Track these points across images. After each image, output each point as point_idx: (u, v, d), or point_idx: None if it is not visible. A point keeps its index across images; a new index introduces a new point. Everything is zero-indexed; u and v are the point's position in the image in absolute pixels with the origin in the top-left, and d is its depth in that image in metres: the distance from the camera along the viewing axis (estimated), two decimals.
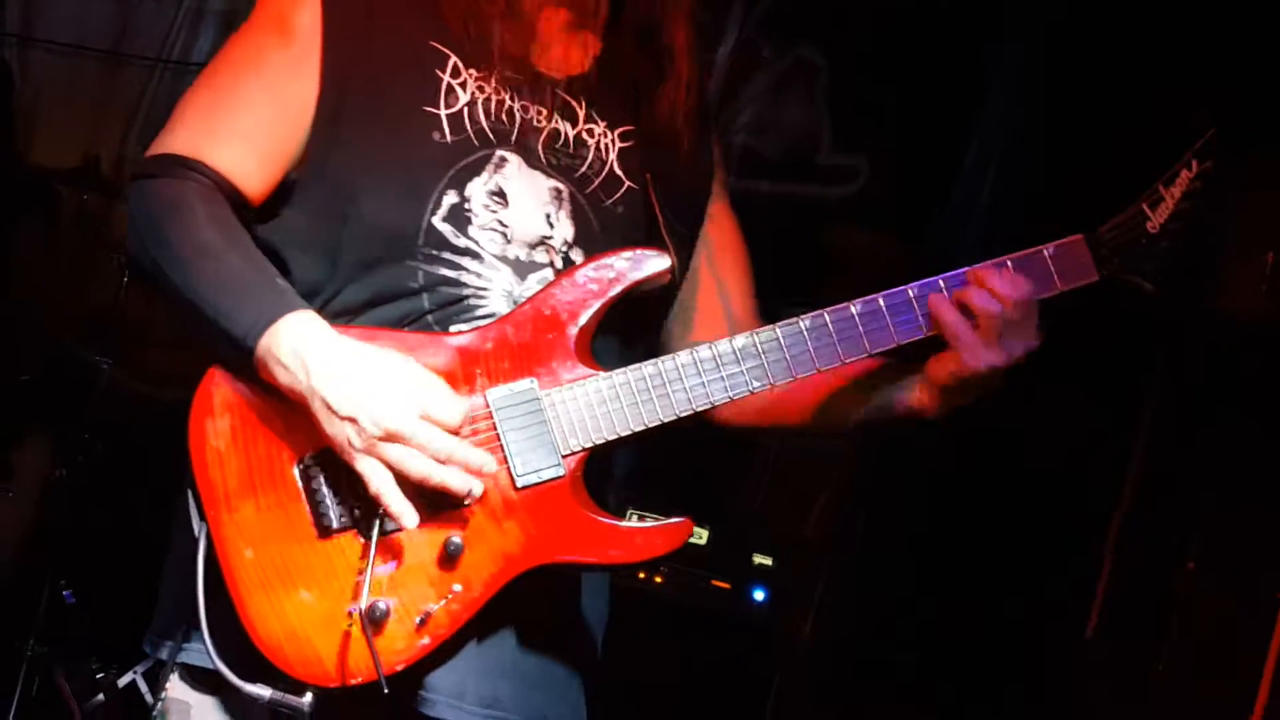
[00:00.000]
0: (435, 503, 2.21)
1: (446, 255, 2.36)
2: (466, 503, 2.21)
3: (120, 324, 5.23)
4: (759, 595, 4.97)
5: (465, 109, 2.41)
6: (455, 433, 2.19)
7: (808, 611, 5.13)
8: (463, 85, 2.42)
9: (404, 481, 2.18)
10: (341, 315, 2.34)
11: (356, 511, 2.23)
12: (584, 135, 2.50)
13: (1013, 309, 2.27)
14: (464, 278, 2.36)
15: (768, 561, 5.01)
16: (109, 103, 6.32)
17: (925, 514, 5.11)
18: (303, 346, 2.18)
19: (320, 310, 2.31)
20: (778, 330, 2.34)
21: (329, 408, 2.16)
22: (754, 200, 2.65)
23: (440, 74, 2.41)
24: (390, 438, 2.15)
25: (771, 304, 2.72)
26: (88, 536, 5.17)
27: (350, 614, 2.19)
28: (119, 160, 6.23)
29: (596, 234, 2.45)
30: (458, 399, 2.22)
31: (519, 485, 2.26)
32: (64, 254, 5.69)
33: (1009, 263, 2.34)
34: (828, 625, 5.12)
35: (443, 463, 2.17)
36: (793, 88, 6.08)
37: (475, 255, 2.37)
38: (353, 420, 2.15)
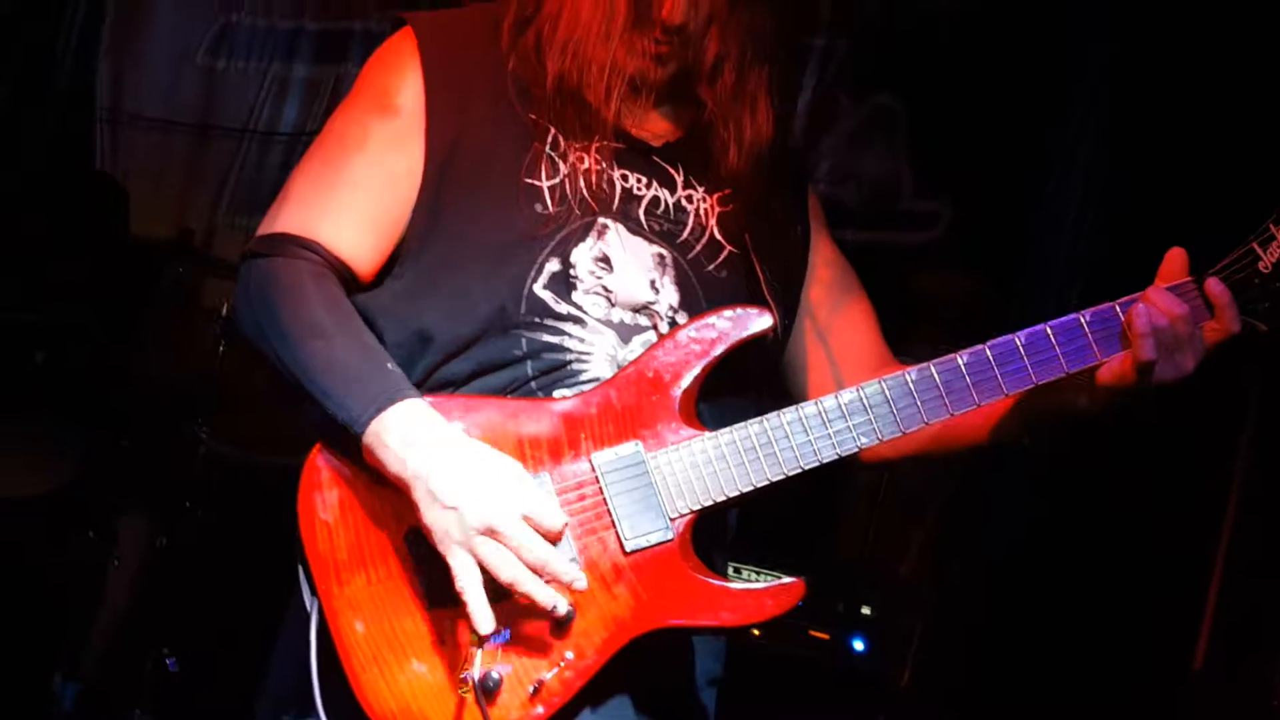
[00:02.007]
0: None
1: (549, 322, 2.37)
2: (551, 616, 2.20)
3: (217, 392, 5.29)
4: (858, 645, 4.93)
5: (566, 179, 2.43)
6: (554, 540, 2.19)
7: (906, 658, 5.08)
8: (562, 156, 2.43)
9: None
10: (446, 386, 2.35)
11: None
12: (683, 201, 2.51)
13: (1180, 323, 2.27)
14: (567, 343, 2.37)
15: (866, 610, 4.97)
16: (199, 175, 6.42)
17: (1023, 551, 5.06)
18: (411, 436, 2.20)
19: (423, 381, 2.33)
20: (883, 384, 2.33)
21: (432, 495, 2.17)
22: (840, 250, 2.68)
23: (540, 146, 2.43)
24: (489, 533, 2.16)
25: None
26: (190, 604, 5.22)
27: (463, 684, 2.18)
28: (211, 231, 6.32)
29: (700, 299, 2.44)
30: (560, 511, 2.22)
31: (628, 550, 2.26)
32: (160, 325, 5.76)
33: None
34: (927, 671, 5.07)
35: (535, 570, 2.17)
36: (872, 135, 6.08)
37: (578, 320, 2.38)
38: (455, 510, 2.16)
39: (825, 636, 4.91)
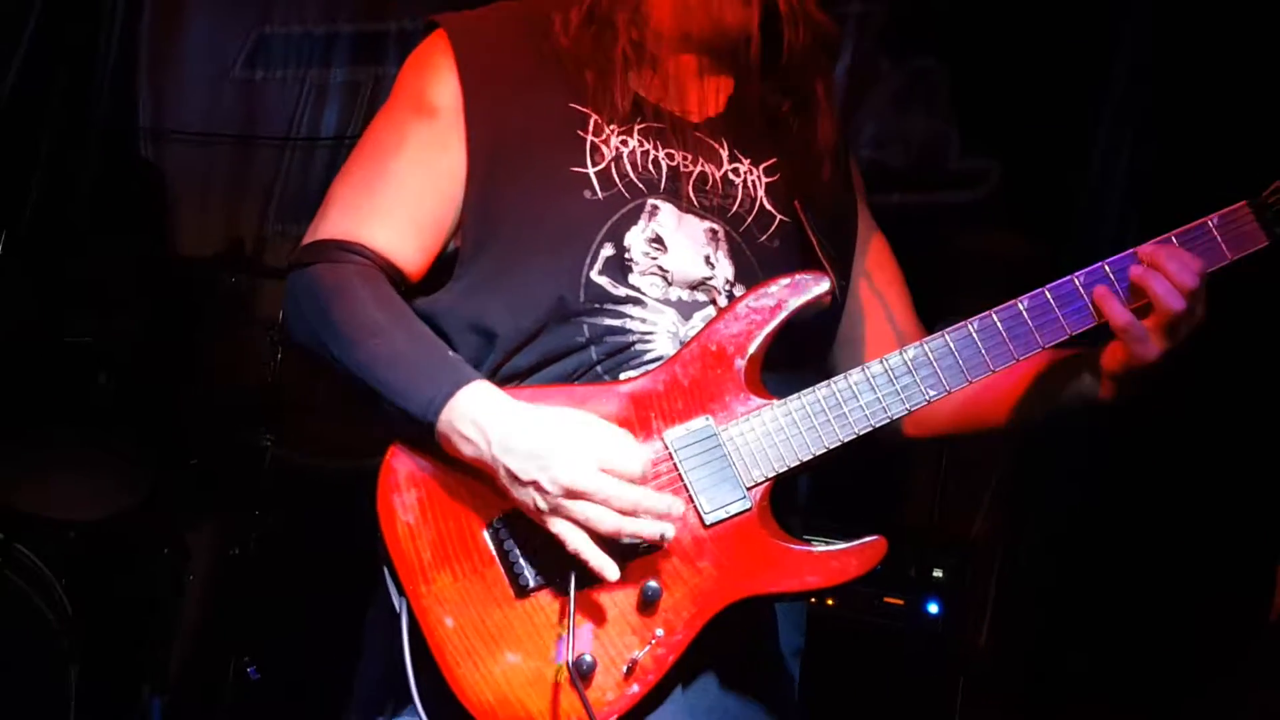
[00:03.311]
0: (627, 550, 2.22)
1: (609, 306, 2.38)
2: (662, 546, 2.22)
3: (278, 400, 5.32)
4: (933, 608, 4.92)
5: (612, 164, 2.43)
6: (639, 481, 2.20)
7: (982, 620, 5.07)
8: (605, 141, 2.44)
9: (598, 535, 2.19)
10: (511, 380, 2.36)
11: (551, 568, 2.24)
12: (730, 175, 2.50)
13: (1191, 300, 2.25)
14: (628, 324, 2.38)
15: (939, 574, 4.96)
16: (244, 186, 6.45)
17: (1091, 507, 5.04)
18: (482, 417, 2.21)
19: (489, 378, 2.33)
20: (947, 336, 2.33)
21: (512, 475, 2.19)
22: (887, 213, 2.65)
23: (583, 134, 2.43)
24: (574, 496, 2.17)
25: (921, 315, 2.72)
26: (268, 612, 5.26)
27: (558, 670, 2.20)
28: (260, 240, 6.36)
29: (756, 270, 2.45)
30: (637, 448, 2.23)
31: (708, 523, 2.27)
32: (217, 338, 5.81)
33: (1174, 238, 2.32)
34: (1003, 632, 5.06)
35: (630, 514, 2.18)
36: (914, 97, 6.06)
37: (637, 301, 2.39)
38: (535, 484, 2.18)
39: (900, 602, 4.91)
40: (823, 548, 2.29)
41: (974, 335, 2.33)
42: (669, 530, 2.20)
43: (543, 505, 2.19)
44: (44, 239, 5.64)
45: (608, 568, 2.18)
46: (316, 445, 5.93)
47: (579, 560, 2.19)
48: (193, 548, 5.32)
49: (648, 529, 2.18)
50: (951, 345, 2.33)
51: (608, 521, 2.17)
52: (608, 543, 2.20)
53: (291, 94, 6.47)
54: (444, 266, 2.46)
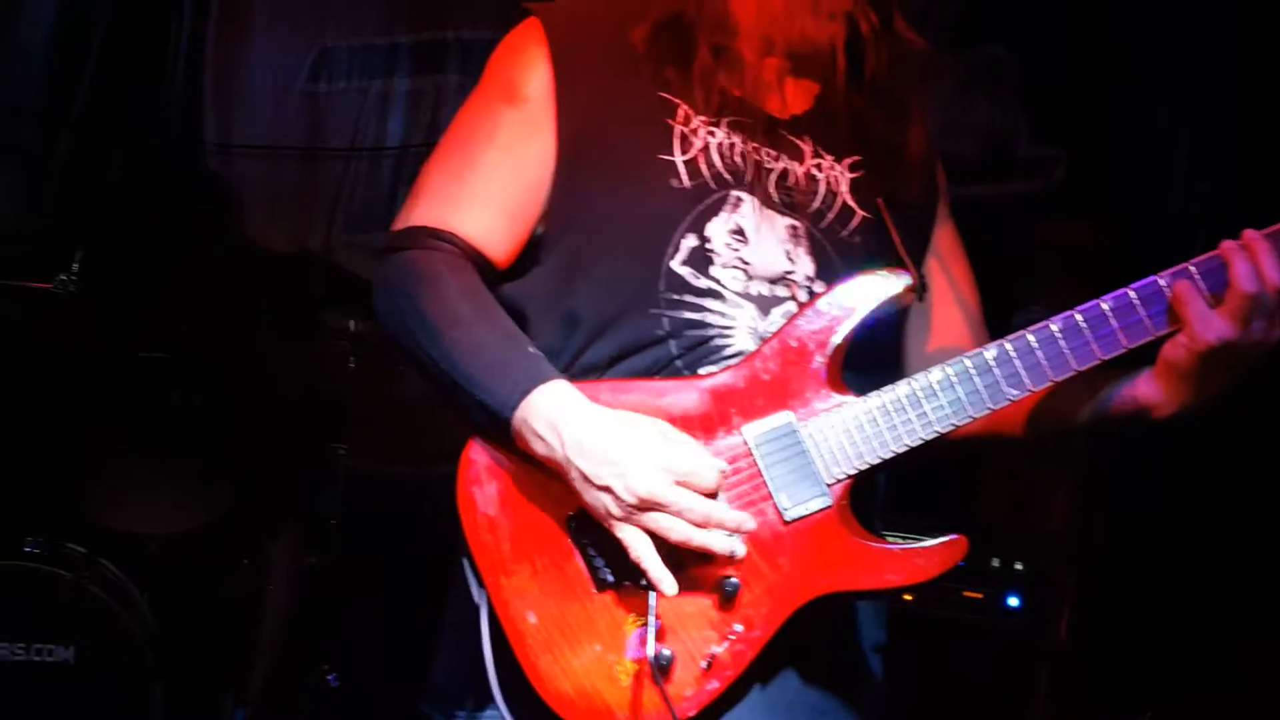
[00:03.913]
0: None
1: (689, 298, 2.37)
2: (729, 570, 2.21)
3: (351, 408, 5.35)
4: (1013, 601, 4.90)
5: (699, 154, 2.42)
6: (713, 495, 2.19)
7: (1062, 612, 5.04)
8: (694, 132, 2.43)
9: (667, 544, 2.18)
10: (590, 371, 2.36)
11: (630, 562, 2.22)
12: (813, 171, 2.49)
13: (1266, 291, 2.20)
14: (708, 318, 2.37)
15: (1018, 566, 4.93)
16: (311, 197, 6.49)
17: (1162, 501, 5.00)
18: (557, 417, 2.21)
19: (567, 368, 2.34)
20: (1029, 335, 2.30)
21: (585, 478, 2.19)
22: (954, 204, 2.64)
23: (671, 123, 2.43)
24: (646, 505, 2.16)
25: (992, 307, 2.70)
26: (345, 620, 5.29)
27: (637, 664, 2.20)
28: (328, 251, 6.40)
29: (837, 266, 2.43)
30: (713, 460, 2.22)
31: (787, 520, 2.26)
32: (289, 348, 5.84)
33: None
34: (1083, 623, 5.02)
35: (702, 526, 2.17)
36: (981, 87, 6.03)
37: (717, 295, 2.38)
38: (609, 490, 2.17)
39: (979, 596, 4.88)
40: (903, 545, 2.27)
41: (1056, 335, 2.29)
42: (739, 547, 2.18)
43: (615, 511, 2.18)
44: (116, 256, 5.69)
45: (666, 582, 2.17)
46: (389, 452, 5.95)
47: (640, 570, 2.19)
48: (273, 558, 5.36)
49: (718, 543, 2.17)
50: (1034, 344, 2.29)
51: (678, 531, 2.17)
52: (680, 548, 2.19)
53: (355, 105, 6.51)
54: (527, 254, 2.47)
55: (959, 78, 5.93)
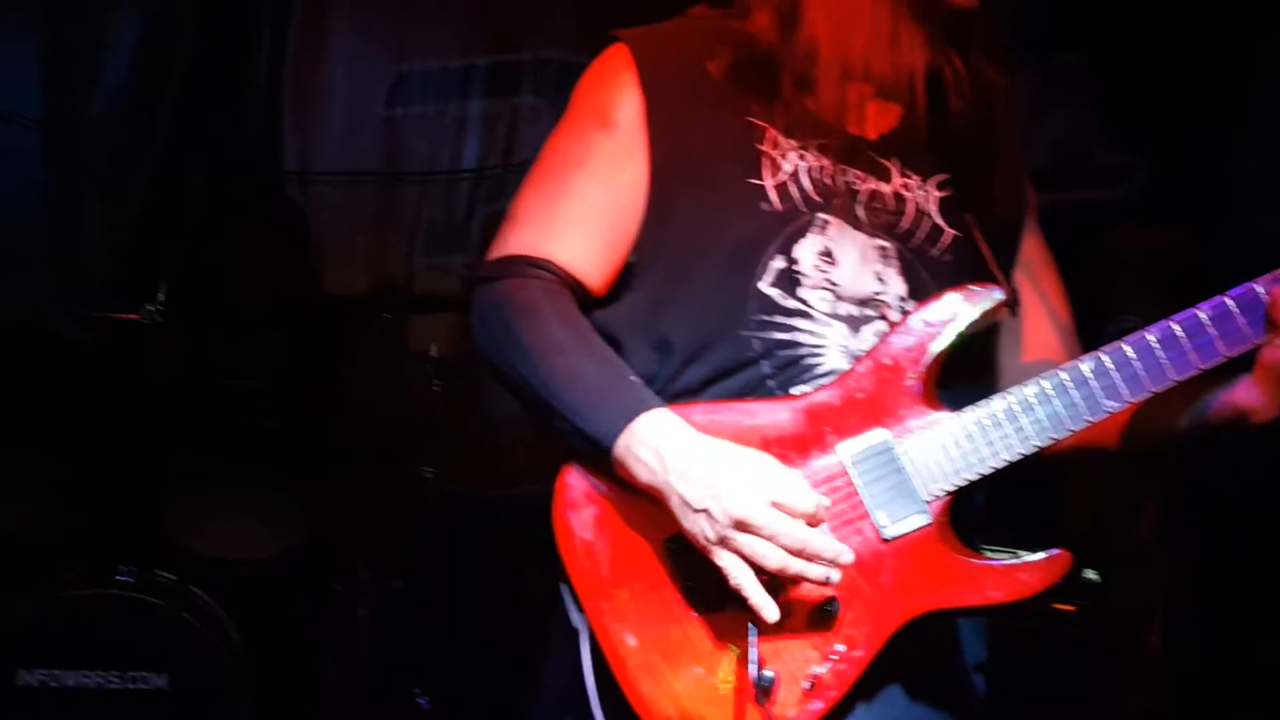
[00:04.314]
0: None
1: (778, 319, 2.37)
2: (827, 589, 2.21)
3: (437, 431, 5.38)
4: (1101, 613, 4.85)
5: (788, 178, 2.42)
6: (811, 522, 2.19)
7: (1153, 622, 4.99)
8: (783, 155, 2.43)
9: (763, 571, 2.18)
10: (684, 395, 2.37)
11: (729, 587, 2.22)
12: (901, 191, 2.49)
13: None
14: (799, 338, 2.37)
15: (1106, 578, 4.89)
16: (389, 222, 6.53)
17: (1267, 506, 4.94)
18: (660, 444, 2.22)
19: (662, 392, 2.35)
20: (1125, 346, 2.28)
21: (684, 502, 2.19)
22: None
23: (760, 146, 2.43)
24: (742, 528, 2.16)
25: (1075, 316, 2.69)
26: (435, 642, 5.31)
27: (741, 684, 2.20)
28: (409, 275, 6.43)
29: (928, 285, 2.43)
30: (811, 490, 2.21)
31: (886, 538, 2.25)
32: (374, 373, 5.89)
33: None
34: (1175, 634, 4.97)
35: (797, 553, 2.17)
36: (1055, 95, 6.00)
37: (806, 315, 2.38)
38: (706, 512, 2.17)
39: (1071, 609, 4.84)
40: (1004, 561, 2.26)
41: (1154, 345, 2.27)
42: (834, 574, 2.18)
43: (711, 534, 2.18)
44: (200, 287, 5.75)
45: (766, 609, 2.16)
46: (476, 475, 5.98)
47: (739, 595, 2.18)
48: (360, 581, 5.39)
49: (813, 571, 2.17)
50: (1131, 355, 2.28)
51: (774, 558, 2.16)
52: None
53: (431, 129, 6.54)
54: (620, 280, 2.48)
55: (1035, 86, 5.90)
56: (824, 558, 2.17)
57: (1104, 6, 5.68)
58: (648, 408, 2.26)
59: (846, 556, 2.19)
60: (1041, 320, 2.62)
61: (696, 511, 2.18)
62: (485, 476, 6.01)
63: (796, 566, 2.16)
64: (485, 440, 5.84)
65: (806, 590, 2.22)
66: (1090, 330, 2.66)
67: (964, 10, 2.40)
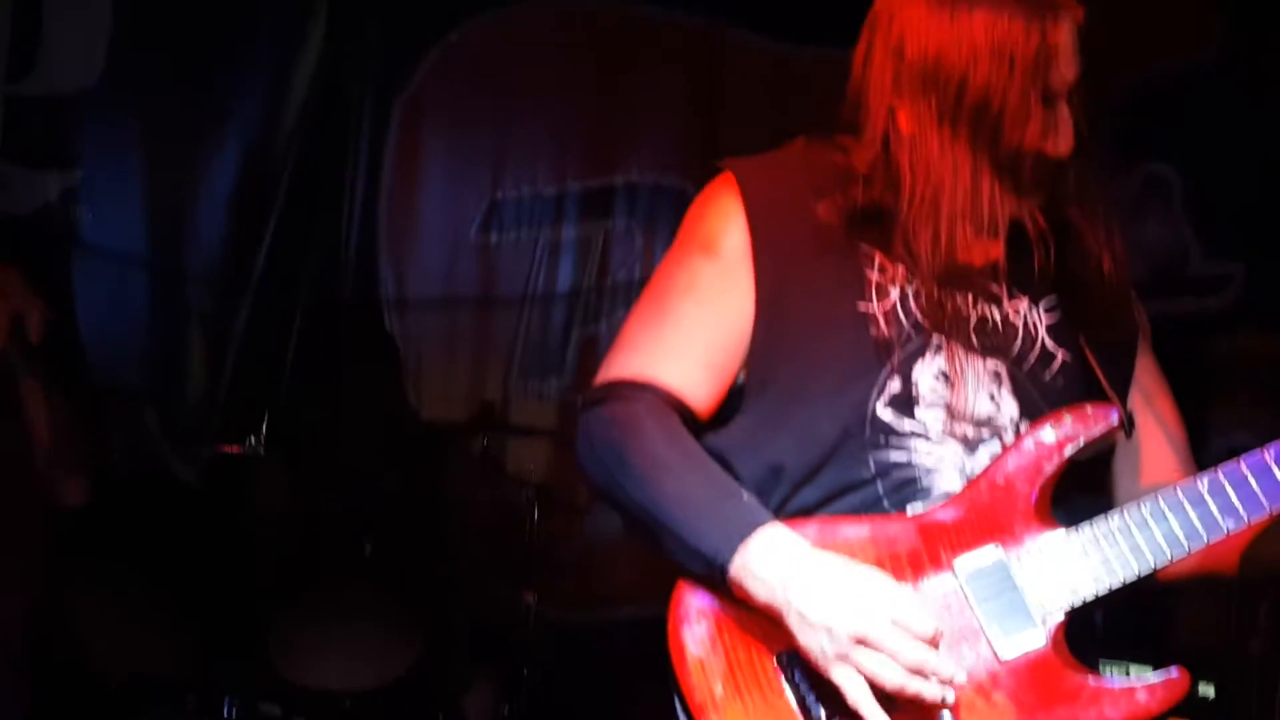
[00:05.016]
0: None
1: (893, 440, 2.38)
2: (943, 709, 2.19)
3: (538, 556, 5.40)
4: None
5: (897, 303, 2.44)
6: (930, 643, 2.18)
7: None
8: (891, 280, 2.45)
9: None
10: (798, 515, 2.37)
11: (843, 700, 2.20)
12: (1010, 315, 2.49)
13: None
14: (914, 458, 2.38)
15: (1222, 693, 4.80)
16: (486, 346, 6.58)
17: None
18: (776, 561, 2.22)
19: (777, 512, 2.35)
20: (1242, 463, 2.27)
21: (802, 617, 2.19)
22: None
23: (869, 272, 2.45)
24: (861, 643, 2.16)
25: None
26: None
27: None
28: (506, 399, 6.48)
29: (1041, 408, 2.42)
30: (930, 611, 2.21)
31: (1002, 657, 2.24)
32: (474, 498, 5.93)
33: None
34: None
35: (916, 672, 2.16)
36: (1148, 204, 5.99)
37: (922, 435, 2.39)
38: (825, 629, 2.17)
39: None
40: (1121, 682, 2.24)
41: (1271, 463, 2.26)
42: (950, 696, 2.16)
43: (829, 651, 2.17)
44: (302, 418, 5.83)
45: None
46: (578, 599, 5.99)
47: (856, 713, 2.17)
48: (466, 710, 5.39)
49: (930, 691, 2.16)
50: (1248, 473, 2.27)
51: (891, 677, 2.15)
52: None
53: (526, 254, 6.61)
54: (729, 403, 2.49)
55: (1128, 195, 5.89)
56: (941, 677, 2.16)
57: (1193, 116, 5.69)
58: (762, 524, 2.26)
59: (961, 677, 2.18)
60: (1160, 444, 2.60)
61: (815, 627, 2.18)
62: (587, 600, 6.02)
63: (914, 686, 2.15)
64: (586, 563, 5.84)
65: (922, 710, 2.20)
66: (1194, 442, 2.65)
67: (1057, 159, 2.41)
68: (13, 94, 5.97)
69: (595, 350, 6.51)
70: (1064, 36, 2.38)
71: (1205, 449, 2.38)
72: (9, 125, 5.95)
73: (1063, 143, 2.40)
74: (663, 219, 6.55)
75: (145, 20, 6.07)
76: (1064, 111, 2.40)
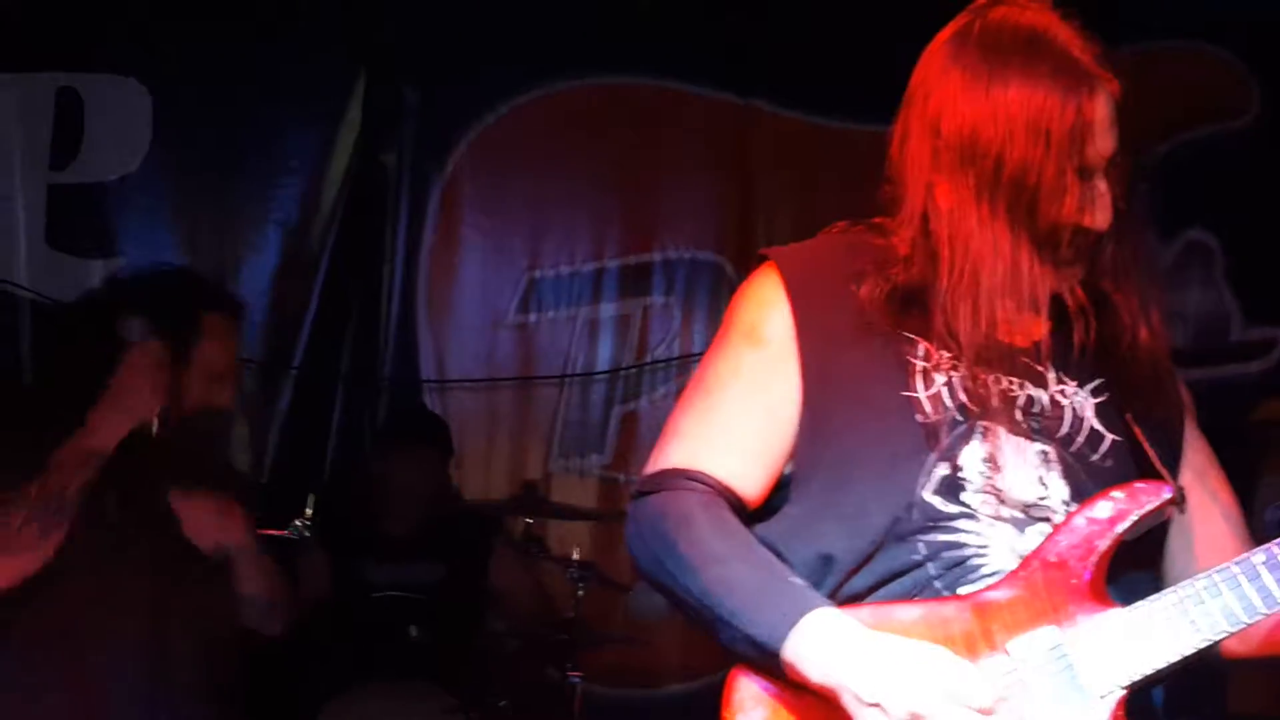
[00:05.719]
0: None
1: (942, 524, 2.37)
2: None
3: (583, 636, 5.38)
4: None
5: (943, 388, 2.44)
6: (986, 715, 2.16)
7: None
8: (936, 366, 2.44)
9: None
10: (850, 601, 2.36)
11: None
12: (1057, 397, 2.49)
13: None
14: (964, 539, 2.37)
15: None
16: (525, 426, 6.59)
17: None
18: (830, 642, 2.22)
19: (829, 599, 2.34)
20: None
21: (857, 697, 2.18)
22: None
23: (913, 359, 2.45)
24: (917, 719, 2.14)
25: None
26: None
27: None
28: (547, 479, 6.48)
29: (1091, 489, 2.41)
30: (985, 683, 2.19)
31: None
32: (516, 580, 5.93)
33: None
34: None
35: None
36: (1188, 271, 5.99)
37: (971, 517, 2.38)
38: (879, 706, 2.16)
39: None
40: None
41: None
42: None
43: None
44: (345, 499, 5.84)
45: None
46: (624, 676, 5.97)
47: None
48: None
49: None
50: None
51: None
52: None
53: (564, 332, 6.63)
54: (778, 491, 2.50)
55: (1167, 262, 5.89)
56: None
57: (1231, 182, 5.69)
58: (814, 607, 2.26)
59: None
60: (1214, 519, 2.58)
61: (870, 706, 2.16)
62: (632, 677, 5.99)
63: None
64: (630, 641, 5.82)
65: None
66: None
67: (1096, 232, 2.42)
68: (55, 182, 6.04)
69: (635, 427, 6.53)
70: (1100, 110, 2.38)
71: (1250, 514, 2.36)
72: (53, 213, 6.03)
73: (1100, 216, 2.40)
74: (700, 293, 6.58)
75: (184, 107, 6.15)
76: (1102, 184, 2.41)
